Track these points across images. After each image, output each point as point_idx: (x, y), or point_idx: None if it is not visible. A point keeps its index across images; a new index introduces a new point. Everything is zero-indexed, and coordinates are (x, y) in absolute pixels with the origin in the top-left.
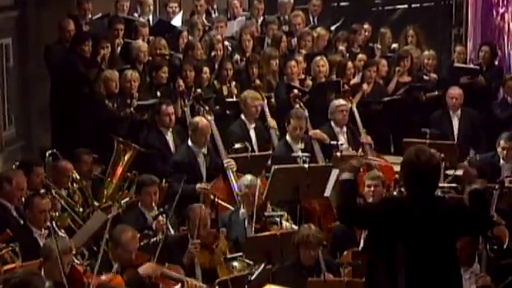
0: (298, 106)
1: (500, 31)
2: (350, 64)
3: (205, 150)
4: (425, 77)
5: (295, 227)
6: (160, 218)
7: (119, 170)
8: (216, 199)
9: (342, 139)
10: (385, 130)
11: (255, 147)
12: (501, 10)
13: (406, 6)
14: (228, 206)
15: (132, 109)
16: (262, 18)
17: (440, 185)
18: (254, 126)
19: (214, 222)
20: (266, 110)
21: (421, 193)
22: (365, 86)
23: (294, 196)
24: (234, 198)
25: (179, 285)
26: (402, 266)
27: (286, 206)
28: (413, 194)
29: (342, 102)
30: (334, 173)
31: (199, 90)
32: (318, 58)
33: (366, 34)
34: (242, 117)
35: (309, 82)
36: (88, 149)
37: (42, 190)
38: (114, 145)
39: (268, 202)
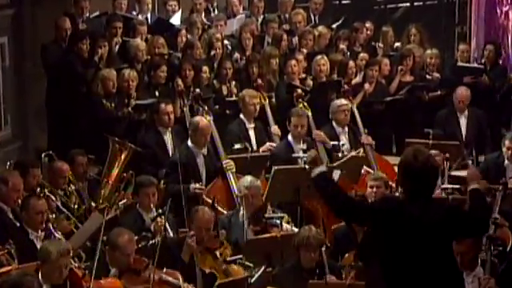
0: (301, 105)
1: (504, 30)
2: (351, 63)
3: (205, 151)
4: (427, 76)
5: (296, 229)
6: (158, 219)
7: (115, 170)
8: (216, 201)
9: (344, 139)
10: (387, 131)
11: (254, 147)
12: (505, 9)
13: (408, 4)
14: (223, 210)
15: (130, 109)
16: (262, 16)
17: (443, 186)
18: (253, 125)
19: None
20: (269, 113)
21: (418, 194)
22: (367, 85)
23: (294, 197)
24: (233, 200)
25: None
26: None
27: (287, 207)
28: (410, 194)
29: (343, 101)
30: (336, 174)
31: (198, 90)
32: (319, 57)
33: (368, 32)
34: (241, 116)
35: (309, 82)
36: (83, 149)
37: (38, 190)
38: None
39: (268, 203)
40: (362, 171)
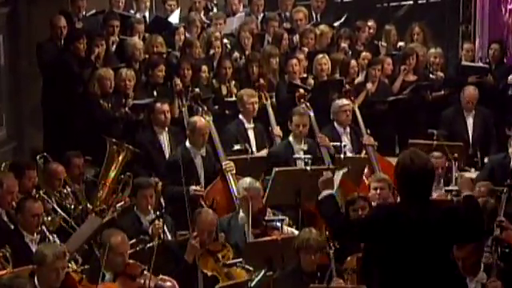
0: (303, 105)
1: (509, 28)
2: (353, 62)
3: (203, 152)
4: (431, 75)
5: (296, 232)
6: (156, 222)
7: (113, 172)
8: (215, 203)
9: (346, 140)
10: (390, 131)
11: (254, 148)
12: (509, 7)
13: (411, 2)
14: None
15: (127, 109)
16: (262, 14)
17: (448, 188)
18: (252, 126)
19: None
20: (271, 114)
21: (416, 197)
22: (369, 85)
23: (295, 200)
24: (233, 202)
25: None
26: None
27: (288, 210)
28: (408, 197)
29: (345, 101)
30: (338, 175)
31: (197, 90)
32: (320, 56)
33: (371, 31)
34: (240, 116)
35: (311, 81)
36: (80, 151)
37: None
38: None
39: (268, 205)
40: (364, 173)
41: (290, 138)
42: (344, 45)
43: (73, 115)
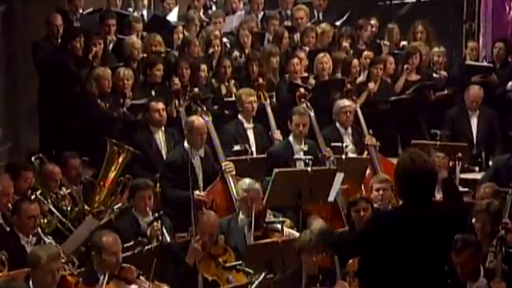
0: (304, 105)
1: None
2: (355, 62)
3: (201, 153)
4: (434, 75)
5: (297, 234)
6: (155, 223)
7: (112, 173)
8: (214, 205)
9: (347, 141)
10: (392, 132)
11: (253, 148)
12: None
13: (414, 0)
14: None
15: (125, 109)
16: (262, 12)
17: None
18: (252, 126)
19: None
20: (270, 115)
21: (417, 198)
22: (371, 84)
23: (296, 201)
24: (232, 204)
25: None
26: None
27: (289, 211)
28: (409, 200)
29: (346, 102)
30: (339, 176)
31: (196, 90)
32: (322, 54)
33: (373, 29)
34: (239, 116)
35: (312, 81)
36: (77, 151)
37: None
38: (106, 147)
39: (268, 207)
40: (367, 173)
41: (290, 138)
42: (345, 44)
43: (70, 115)
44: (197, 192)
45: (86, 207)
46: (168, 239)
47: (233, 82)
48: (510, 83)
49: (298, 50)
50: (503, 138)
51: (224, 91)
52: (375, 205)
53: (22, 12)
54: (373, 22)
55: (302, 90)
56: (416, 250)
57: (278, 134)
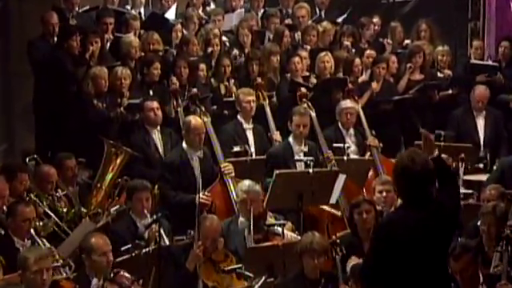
0: (305, 105)
1: None
2: (357, 61)
3: (200, 154)
4: (438, 74)
5: (299, 238)
6: (153, 226)
7: (109, 175)
8: (213, 207)
9: (349, 142)
10: (395, 132)
11: (252, 150)
12: None
13: None
14: None
15: (122, 108)
16: (262, 10)
17: None
18: (251, 126)
19: None
20: (269, 115)
21: (419, 198)
22: (374, 84)
23: (297, 203)
24: (232, 206)
25: None
26: None
27: (290, 214)
28: (410, 200)
29: (349, 104)
30: (341, 178)
31: (195, 89)
32: (323, 53)
33: (375, 28)
34: (238, 117)
35: (313, 80)
36: (73, 152)
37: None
38: (103, 148)
39: (269, 209)
40: (369, 175)
41: (290, 139)
42: (347, 43)
43: (66, 115)
44: (200, 195)
45: (82, 209)
46: (166, 242)
47: (232, 81)
48: None
49: (300, 49)
50: (509, 140)
51: (223, 91)
52: (378, 207)
53: (17, 10)
54: (375, 20)
55: (303, 89)
56: (419, 248)
57: (277, 135)
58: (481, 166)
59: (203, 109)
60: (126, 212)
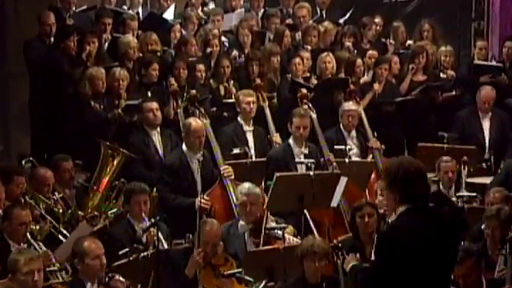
0: (305, 106)
1: None
2: (359, 61)
3: (200, 156)
4: (441, 75)
5: (300, 241)
6: (151, 230)
7: (106, 177)
8: (213, 211)
9: (351, 144)
10: (398, 134)
11: (252, 152)
12: None
13: None
14: None
15: (120, 110)
16: (262, 10)
17: (459, 194)
18: (251, 128)
19: None
20: (269, 117)
21: (423, 198)
22: (376, 85)
23: (297, 206)
24: (232, 209)
25: None
26: None
27: (291, 217)
28: (411, 199)
29: (351, 106)
30: (342, 181)
31: (194, 91)
32: (324, 54)
33: (378, 28)
34: (239, 118)
35: (314, 81)
36: (69, 154)
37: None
38: (100, 150)
39: (269, 213)
40: (371, 178)
41: (290, 141)
42: (348, 43)
43: (62, 117)
44: (199, 199)
45: (79, 212)
46: (165, 246)
47: (232, 82)
48: None
49: (301, 50)
50: None
51: (222, 92)
52: (380, 210)
53: (13, 10)
54: (377, 20)
55: (303, 90)
56: (428, 253)
57: (277, 137)
58: (484, 166)
59: (202, 110)
60: (123, 215)
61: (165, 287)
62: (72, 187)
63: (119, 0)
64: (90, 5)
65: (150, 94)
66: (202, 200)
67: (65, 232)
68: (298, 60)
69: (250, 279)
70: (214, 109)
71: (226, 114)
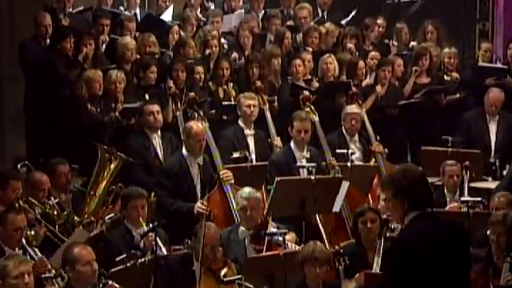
0: (307, 109)
1: None
2: (361, 63)
3: (200, 160)
4: (445, 77)
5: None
6: (149, 235)
7: (103, 181)
8: (212, 216)
9: (354, 148)
10: (401, 138)
11: (253, 156)
12: None
13: None
14: None
15: (117, 113)
16: (262, 11)
17: (463, 199)
18: (252, 132)
19: None
20: (269, 120)
21: (428, 200)
22: (378, 87)
23: (299, 211)
24: (232, 215)
25: None
26: None
27: (292, 222)
28: (419, 204)
29: (354, 109)
30: (344, 185)
31: (193, 94)
32: (326, 55)
33: (380, 29)
34: (239, 122)
35: (315, 84)
36: (66, 158)
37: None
38: (97, 154)
39: (269, 218)
40: (374, 182)
41: (291, 145)
42: (350, 45)
43: (58, 120)
44: (198, 204)
45: (76, 218)
46: (163, 252)
47: (231, 85)
48: None
49: (303, 51)
50: None
51: (222, 95)
52: (383, 216)
53: (8, 10)
54: (380, 21)
55: (305, 92)
56: (445, 258)
57: (277, 141)
58: (489, 179)
59: (201, 113)
60: (120, 220)
61: None
62: (68, 192)
63: (116, 1)
64: (87, 6)
65: (147, 96)
66: (201, 205)
67: (61, 236)
68: (298, 62)
69: (251, 286)
70: (213, 111)
71: (225, 117)
